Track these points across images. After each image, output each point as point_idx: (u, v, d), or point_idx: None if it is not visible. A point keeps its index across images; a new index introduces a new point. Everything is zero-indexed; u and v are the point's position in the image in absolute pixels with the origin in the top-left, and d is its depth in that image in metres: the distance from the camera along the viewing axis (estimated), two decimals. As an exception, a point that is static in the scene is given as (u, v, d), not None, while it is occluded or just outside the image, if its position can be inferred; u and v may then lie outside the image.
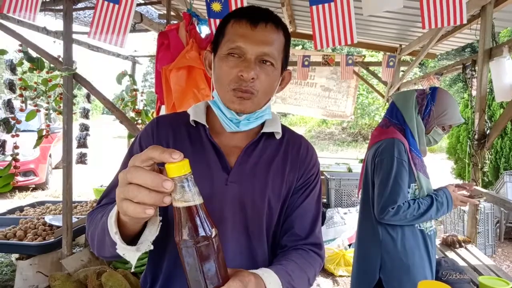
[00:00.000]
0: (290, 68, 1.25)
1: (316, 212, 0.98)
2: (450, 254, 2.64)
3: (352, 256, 3.43)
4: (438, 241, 2.85)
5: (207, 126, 0.93)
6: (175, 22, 3.76)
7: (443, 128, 1.73)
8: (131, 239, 0.67)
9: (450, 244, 2.80)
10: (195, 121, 0.94)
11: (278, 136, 0.98)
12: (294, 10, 4.09)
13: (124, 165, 0.93)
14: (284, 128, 1.02)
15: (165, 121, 0.96)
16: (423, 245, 1.69)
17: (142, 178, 0.54)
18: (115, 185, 0.89)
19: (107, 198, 0.89)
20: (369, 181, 1.77)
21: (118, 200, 0.59)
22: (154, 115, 4.79)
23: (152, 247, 0.65)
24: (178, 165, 0.54)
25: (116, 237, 0.64)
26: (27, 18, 1.65)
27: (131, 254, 0.64)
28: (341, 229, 4.03)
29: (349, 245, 3.86)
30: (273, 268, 0.80)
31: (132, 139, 4.55)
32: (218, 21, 1.80)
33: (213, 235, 0.57)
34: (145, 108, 4.60)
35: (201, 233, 0.55)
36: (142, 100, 4.74)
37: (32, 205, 3.93)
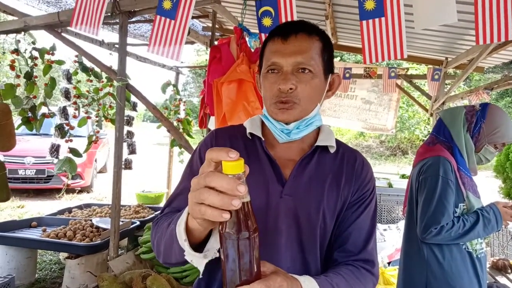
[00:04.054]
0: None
1: (370, 229, 0.97)
2: (501, 279, 2.50)
3: (392, 274, 3.33)
4: (487, 265, 2.71)
5: (263, 139, 0.95)
6: (218, 34, 3.87)
7: (495, 146, 1.66)
8: (196, 247, 0.70)
9: (500, 268, 2.66)
10: (251, 134, 0.97)
11: (332, 150, 0.98)
12: (336, 23, 4.09)
13: (185, 175, 0.97)
14: (338, 142, 1.02)
15: (223, 133, 1.01)
16: (472, 269, 1.61)
17: (218, 181, 0.56)
18: (177, 195, 0.94)
19: (170, 207, 0.94)
20: (413, 199, 1.72)
21: (191, 204, 0.60)
22: (194, 123, 4.94)
23: (217, 255, 0.67)
24: (235, 164, 0.57)
25: (185, 244, 0.67)
26: (90, 32, 1.78)
27: (199, 261, 0.68)
28: (380, 246, 3.91)
29: (389, 263, 3.73)
30: (317, 278, 0.79)
31: (175, 147, 4.67)
32: (268, 35, 1.84)
33: (254, 233, 0.60)
34: (186, 117, 4.75)
35: (245, 229, 0.59)
36: (184, 109, 4.90)
37: (79, 207, 4.13)
